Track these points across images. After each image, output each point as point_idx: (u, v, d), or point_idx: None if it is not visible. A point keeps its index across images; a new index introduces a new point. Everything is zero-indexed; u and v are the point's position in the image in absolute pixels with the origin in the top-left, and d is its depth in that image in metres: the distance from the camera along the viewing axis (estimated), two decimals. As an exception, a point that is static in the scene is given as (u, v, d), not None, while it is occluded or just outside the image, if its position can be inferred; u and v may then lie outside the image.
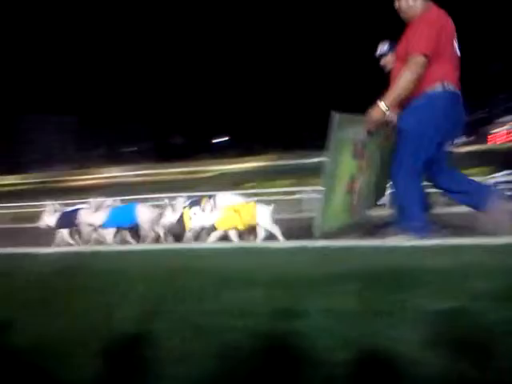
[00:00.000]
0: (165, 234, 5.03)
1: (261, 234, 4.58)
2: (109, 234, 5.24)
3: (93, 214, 5.30)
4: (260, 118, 79.39)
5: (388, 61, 3.78)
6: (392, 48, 3.71)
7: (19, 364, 1.63)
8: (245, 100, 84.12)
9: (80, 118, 75.17)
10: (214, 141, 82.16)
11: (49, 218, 5.68)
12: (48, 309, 2.11)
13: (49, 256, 2.71)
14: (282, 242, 3.89)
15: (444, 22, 3.25)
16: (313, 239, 3.27)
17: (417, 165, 3.28)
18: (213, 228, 4.64)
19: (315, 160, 21.56)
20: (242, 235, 4.68)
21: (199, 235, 4.86)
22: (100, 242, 5.17)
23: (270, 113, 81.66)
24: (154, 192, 13.46)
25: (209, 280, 2.33)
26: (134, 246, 3.12)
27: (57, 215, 5.67)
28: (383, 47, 3.88)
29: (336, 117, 3.10)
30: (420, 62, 3.12)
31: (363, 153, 3.45)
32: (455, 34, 3.33)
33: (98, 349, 1.67)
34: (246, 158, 44.84)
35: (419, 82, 3.19)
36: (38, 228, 5.57)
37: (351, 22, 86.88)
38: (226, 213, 4.57)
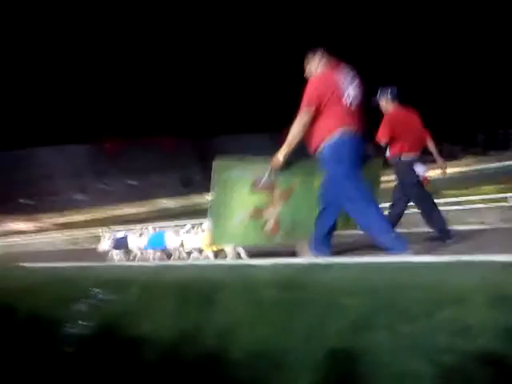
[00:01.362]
0: (187, 253, 6.14)
1: (229, 254, 5.18)
2: (149, 254, 6.68)
3: (138, 238, 6.79)
4: (454, 118, 73.90)
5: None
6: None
7: (237, 376, 1.76)
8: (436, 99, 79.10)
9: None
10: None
11: (105, 244, 7.23)
12: (264, 321, 2.25)
13: (267, 269, 2.88)
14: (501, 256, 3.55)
15: (332, 82, 3.87)
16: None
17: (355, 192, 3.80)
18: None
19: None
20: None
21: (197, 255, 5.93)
22: (145, 259, 6.54)
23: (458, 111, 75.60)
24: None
25: (419, 295, 2.25)
26: (340, 259, 3.16)
27: (111, 240, 7.12)
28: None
29: (216, 163, 3.96)
30: (303, 117, 3.82)
31: (272, 186, 4.14)
32: (354, 87, 3.93)
33: (311, 362, 1.72)
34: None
35: (320, 130, 3.85)
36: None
37: None
38: (205, 236, 5.27)
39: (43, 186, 63.25)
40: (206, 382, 2.17)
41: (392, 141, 4.92)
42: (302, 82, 3.97)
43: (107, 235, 7.46)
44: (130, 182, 61.74)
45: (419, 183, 5.04)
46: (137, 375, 2.47)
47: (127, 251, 7.07)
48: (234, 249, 5.12)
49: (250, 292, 2.41)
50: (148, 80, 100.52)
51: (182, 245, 6.13)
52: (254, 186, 4.09)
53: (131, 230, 8.32)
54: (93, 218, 50.71)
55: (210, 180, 4.05)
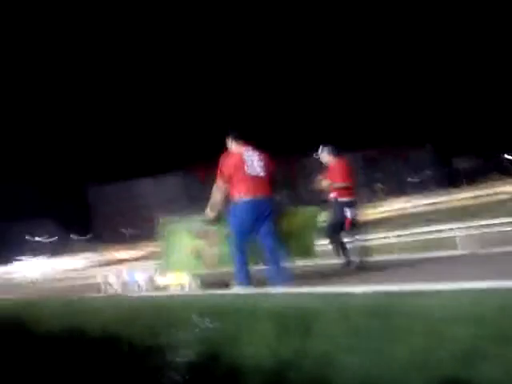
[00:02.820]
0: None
1: (185, 286, 6.26)
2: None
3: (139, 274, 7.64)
4: None
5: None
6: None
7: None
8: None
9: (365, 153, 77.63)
10: (508, 156, 74.24)
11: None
12: (364, 349, 2.23)
13: (360, 296, 2.86)
14: None
15: (238, 160, 5.08)
16: None
17: (241, 241, 5.06)
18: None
19: None
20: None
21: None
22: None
23: None
24: (445, 221, 12.89)
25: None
26: (430, 286, 3.06)
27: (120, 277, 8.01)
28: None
29: (161, 220, 5.81)
30: (217, 185, 5.17)
31: (207, 235, 5.52)
32: (257, 162, 5.12)
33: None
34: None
35: (230, 195, 5.10)
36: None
37: None
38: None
39: (142, 215, 66.46)
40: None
41: (332, 186, 6.62)
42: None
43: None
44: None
45: (345, 222, 6.60)
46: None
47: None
48: (190, 281, 6.26)
49: (348, 320, 2.41)
50: (227, 108, 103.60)
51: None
52: (194, 234, 5.59)
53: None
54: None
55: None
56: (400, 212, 39.30)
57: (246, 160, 5.08)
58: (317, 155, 6.94)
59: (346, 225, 6.62)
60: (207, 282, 6.08)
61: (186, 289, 6.12)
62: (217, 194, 5.20)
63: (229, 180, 5.07)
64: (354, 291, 3.07)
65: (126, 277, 7.77)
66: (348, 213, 6.59)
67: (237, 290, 4.85)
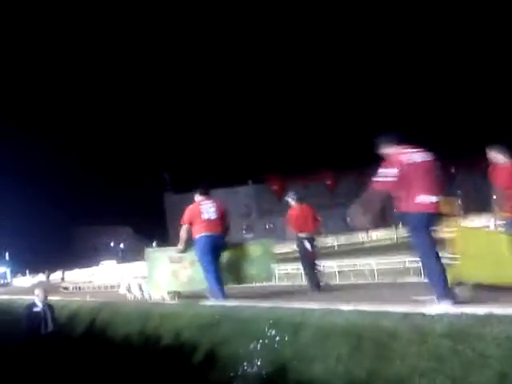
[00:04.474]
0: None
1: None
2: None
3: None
4: None
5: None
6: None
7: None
8: None
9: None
10: None
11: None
12: (441, 372, 2.16)
13: (439, 318, 2.75)
14: None
15: (197, 209, 6.69)
16: None
17: (208, 265, 6.52)
18: None
19: None
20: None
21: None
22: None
23: None
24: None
25: None
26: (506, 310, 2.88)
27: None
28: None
29: (146, 250, 7.75)
30: (183, 228, 6.71)
31: (180, 260, 6.99)
32: (212, 209, 6.70)
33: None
34: None
35: (194, 232, 6.60)
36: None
37: None
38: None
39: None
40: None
41: (296, 225, 7.86)
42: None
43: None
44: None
45: (307, 253, 7.71)
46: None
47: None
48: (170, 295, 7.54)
49: (425, 342, 2.35)
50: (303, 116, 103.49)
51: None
52: (171, 260, 7.11)
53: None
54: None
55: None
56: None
57: (201, 209, 6.74)
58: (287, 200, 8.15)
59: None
60: (184, 296, 7.41)
61: (168, 301, 7.53)
62: (183, 233, 6.82)
63: (191, 224, 6.74)
64: (430, 313, 2.97)
65: (143, 286, 8.83)
66: None
67: (212, 302, 6.02)
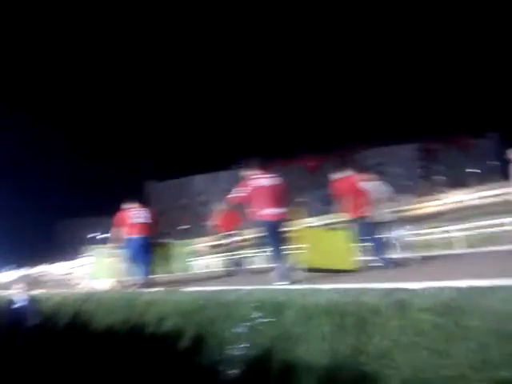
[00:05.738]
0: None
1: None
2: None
3: None
4: None
5: None
6: None
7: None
8: None
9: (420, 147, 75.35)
10: None
11: None
12: (422, 346, 2.18)
13: (420, 293, 2.77)
14: None
15: (126, 214, 7.98)
16: None
17: (135, 260, 7.79)
18: None
19: None
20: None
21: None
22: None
23: None
24: (505, 214, 12.26)
25: None
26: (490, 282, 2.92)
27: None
28: None
29: (93, 247, 9.78)
30: (113, 229, 8.10)
31: (116, 255, 8.32)
32: (140, 215, 7.99)
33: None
34: None
35: (125, 233, 7.84)
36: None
37: None
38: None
39: (200, 212, 67.44)
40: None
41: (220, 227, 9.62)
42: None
43: None
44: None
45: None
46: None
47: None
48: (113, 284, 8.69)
49: (407, 316, 2.35)
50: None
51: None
52: (108, 254, 8.64)
53: None
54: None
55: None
56: (460, 205, 37.74)
57: (131, 214, 7.91)
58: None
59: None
60: (125, 285, 8.26)
61: (115, 288, 8.47)
62: (114, 234, 8.09)
63: (121, 226, 7.91)
64: (413, 288, 2.98)
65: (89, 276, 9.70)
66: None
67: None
